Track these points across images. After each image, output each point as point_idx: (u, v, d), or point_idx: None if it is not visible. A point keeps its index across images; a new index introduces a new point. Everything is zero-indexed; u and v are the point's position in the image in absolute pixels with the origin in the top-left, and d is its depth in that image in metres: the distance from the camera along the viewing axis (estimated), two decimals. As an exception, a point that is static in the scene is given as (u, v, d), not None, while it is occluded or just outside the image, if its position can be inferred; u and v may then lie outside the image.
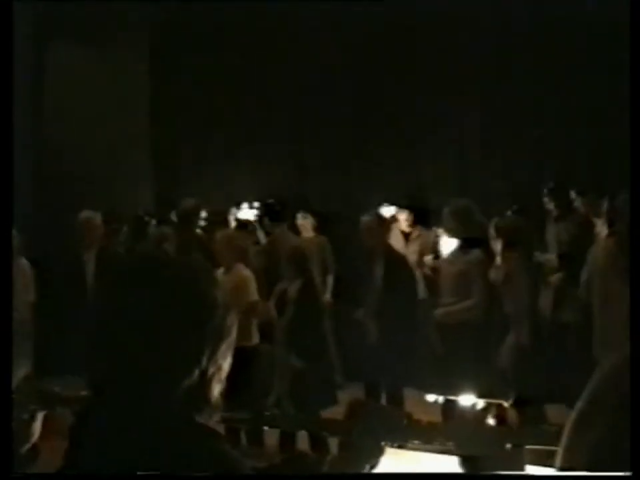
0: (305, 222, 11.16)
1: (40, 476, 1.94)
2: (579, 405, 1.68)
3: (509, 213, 9.69)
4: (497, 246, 8.17)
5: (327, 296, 10.65)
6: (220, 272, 7.68)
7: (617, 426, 1.56)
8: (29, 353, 8.22)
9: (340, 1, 11.63)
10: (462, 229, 8.05)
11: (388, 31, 11.77)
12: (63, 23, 12.37)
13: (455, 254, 8.19)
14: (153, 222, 10.88)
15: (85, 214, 9.52)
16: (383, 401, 7.75)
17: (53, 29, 12.50)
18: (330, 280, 10.88)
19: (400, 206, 10.94)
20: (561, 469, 1.67)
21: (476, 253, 8.02)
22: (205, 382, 1.94)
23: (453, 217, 8.10)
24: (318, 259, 10.55)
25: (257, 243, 10.62)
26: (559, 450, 1.70)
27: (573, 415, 1.68)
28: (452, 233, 8.19)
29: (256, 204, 11.03)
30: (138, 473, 1.82)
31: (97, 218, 9.57)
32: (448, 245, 8.58)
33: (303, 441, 7.39)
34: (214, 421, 2.01)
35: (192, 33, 13.19)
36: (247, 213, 10.98)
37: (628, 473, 1.48)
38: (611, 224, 8.46)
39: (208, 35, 13.06)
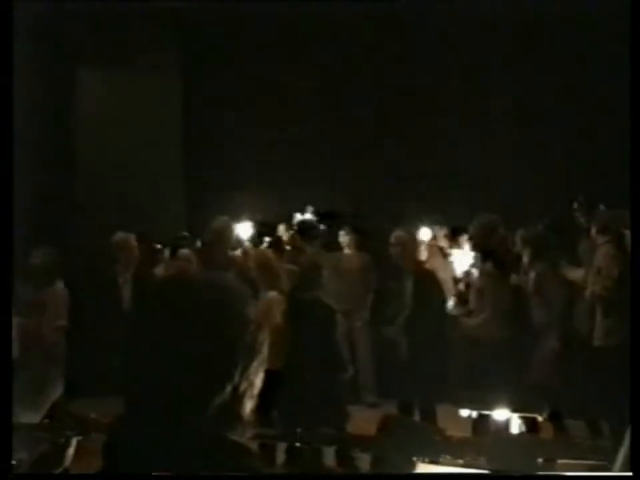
0: (346, 239, 11.14)
1: (40, 476, 1.96)
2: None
3: (539, 226, 9.67)
4: (525, 257, 8.21)
5: (366, 313, 10.64)
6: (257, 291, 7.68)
7: None
8: (60, 376, 8.24)
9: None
10: (486, 243, 8.07)
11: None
12: (96, 49, 12.49)
13: (477, 267, 8.22)
14: (186, 242, 10.92)
15: (120, 235, 9.61)
16: (417, 417, 7.72)
17: (86, 54, 12.62)
18: (370, 297, 10.84)
19: (439, 224, 10.93)
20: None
21: (488, 267, 8.03)
22: (237, 399, 1.94)
23: (479, 231, 8.12)
24: (359, 276, 10.60)
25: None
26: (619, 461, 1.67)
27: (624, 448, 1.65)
28: (477, 248, 8.21)
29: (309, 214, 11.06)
30: (140, 472, 1.83)
31: (132, 239, 9.66)
32: (466, 258, 8.62)
33: (329, 457, 7.35)
34: (246, 437, 2.01)
35: (223, 57, 13.31)
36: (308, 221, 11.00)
37: (628, 473, 1.47)
38: (604, 232, 8.55)
39: (239, 59, 13.17)
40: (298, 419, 7.55)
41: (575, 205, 10.04)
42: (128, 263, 9.53)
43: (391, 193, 12.41)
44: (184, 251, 9.69)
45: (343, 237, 11.07)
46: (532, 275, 8.41)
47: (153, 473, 1.85)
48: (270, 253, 8.62)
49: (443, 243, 10.84)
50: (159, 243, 11.03)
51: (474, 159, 11.93)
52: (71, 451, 2.78)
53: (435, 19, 11.73)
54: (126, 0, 12.03)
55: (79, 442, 2.86)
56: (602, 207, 9.77)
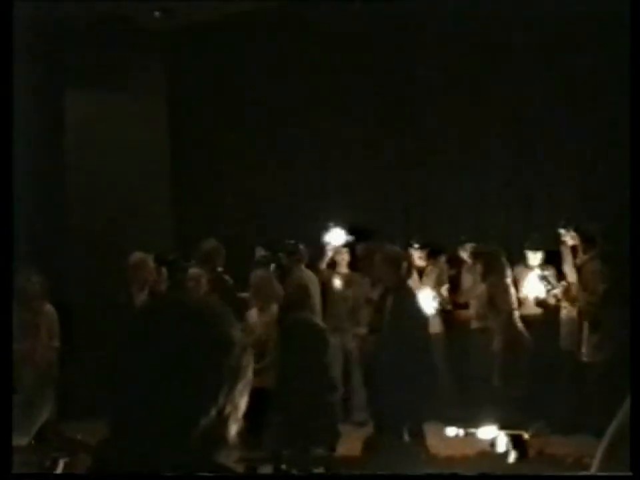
0: (339, 258, 11.17)
1: (40, 476, 1.97)
2: (607, 437, 1.66)
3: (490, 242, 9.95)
4: (478, 271, 9.04)
5: (359, 330, 10.67)
6: (253, 312, 7.70)
7: None
8: (51, 397, 8.24)
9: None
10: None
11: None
12: (82, 70, 12.52)
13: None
14: (173, 264, 10.94)
15: (137, 256, 9.66)
16: (405, 436, 7.74)
17: (73, 75, 12.65)
18: (362, 314, 10.88)
19: (412, 244, 11.01)
20: None
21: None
22: (221, 421, 1.96)
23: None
24: (352, 294, 10.73)
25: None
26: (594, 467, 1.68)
27: (602, 448, 1.67)
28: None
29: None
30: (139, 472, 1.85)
31: (149, 260, 9.73)
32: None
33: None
34: (231, 460, 2.03)
35: (209, 75, 13.36)
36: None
37: (628, 473, 1.48)
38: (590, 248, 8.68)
39: (226, 77, 13.23)
40: (289, 439, 7.58)
41: (562, 224, 10.01)
42: (143, 283, 9.54)
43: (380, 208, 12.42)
44: (194, 270, 9.66)
45: (339, 256, 11.12)
46: (483, 286, 9.00)
47: (153, 473, 1.86)
48: (271, 275, 8.61)
49: (418, 261, 10.93)
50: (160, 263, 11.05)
51: (464, 178, 11.97)
52: (58, 472, 2.79)
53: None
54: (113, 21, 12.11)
55: (66, 463, 2.86)
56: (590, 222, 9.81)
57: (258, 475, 2.04)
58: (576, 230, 9.45)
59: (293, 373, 7.77)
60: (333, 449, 7.16)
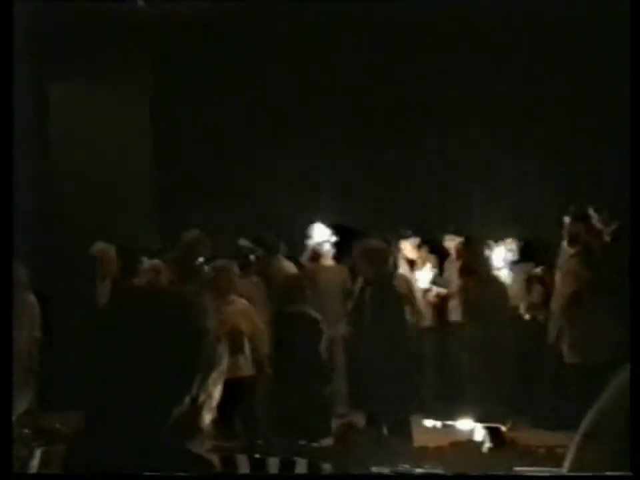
0: (324, 251, 11.19)
1: (40, 476, 1.98)
2: (582, 429, 1.66)
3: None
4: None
5: (343, 325, 10.68)
6: (221, 303, 7.66)
7: (620, 450, 1.55)
8: (31, 387, 8.23)
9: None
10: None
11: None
12: (65, 61, 12.46)
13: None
14: (151, 254, 10.92)
15: (99, 246, 9.61)
16: (385, 428, 7.76)
17: (55, 66, 12.60)
18: (349, 307, 10.89)
19: (404, 234, 11.02)
20: None
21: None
22: (195, 410, 1.97)
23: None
24: (337, 287, 10.64)
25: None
26: (565, 465, 1.68)
27: (576, 439, 1.67)
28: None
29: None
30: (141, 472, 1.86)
31: (111, 250, 9.66)
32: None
33: (301, 469, 7.37)
34: (205, 449, 2.03)
35: (194, 68, 13.32)
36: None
37: (628, 473, 1.48)
38: (573, 244, 8.64)
39: (209, 67, 13.20)
40: (278, 430, 7.60)
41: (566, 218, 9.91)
42: (106, 274, 9.49)
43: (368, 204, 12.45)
44: (152, 262, 9.66)
45: (323, 249, 11.14)
46: (458, 282, 9.22)
47: (153, 474, 1.87)
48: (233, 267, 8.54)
49: (409, 253, 10.94)
50: (138, 253, 11.01)
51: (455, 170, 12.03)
52: (35, 462, 2.79)
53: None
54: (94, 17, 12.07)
55: (43, 453, 2.86)
56: (593, 214, 9.68)
57: (258, 475, 2.04)
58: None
59: (287, 363, 7.78)
60: (321, 440, 7.20)
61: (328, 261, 11.17)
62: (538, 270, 9.84)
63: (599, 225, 9.62)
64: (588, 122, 10.97)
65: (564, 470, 1.63)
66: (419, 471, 2.53)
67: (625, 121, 9.13)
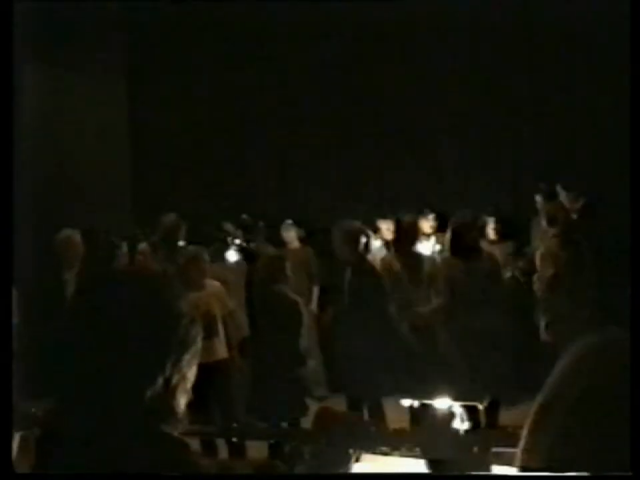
0: (289, 233, 11.22)
1: (40, 476, 1.97)
2: (537, 402, 1.65)
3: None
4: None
5: (313, 307, 10.68)
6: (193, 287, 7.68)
7: (574, 424, 1.54)
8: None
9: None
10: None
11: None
12: (41, 45, 12.38)
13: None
14: (128, 239, 10.90)
15: (64, 233, 9.55)
16: (365, 410, 7.76)
17: (31, 50, 12.51)
18: (315, 290, 10.91)
19: (382, 216, 11.04)
20: (521, 469, 1.64)
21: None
22: (169, 392, 1.98)
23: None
24: (303, 270, 10.60)
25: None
26: (518, 449, 1.67)
27: (531, 413, 1.66)
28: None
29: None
30: (137, 472, 1.86)
31: (76, 236, 9.59)
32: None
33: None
34: (179, 431, 2.03)
35: (170, 55, 13.29)
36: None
37: (628, 473, 1.47)
38: (552, 225, 8.63)
39: (187, 54, 13.17)
40: (256, 412, 7.60)
41: (538, 197, 9.99)
42: (72, 260, 9.43)
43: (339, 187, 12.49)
44: (142, 246, 9.63)
45: (287, 232, 11.18)
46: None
47: (151, 473, 1.88)
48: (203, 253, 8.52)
49: (387, 235, 10.95)
50: (114, 238, 10.98)
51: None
52: (14, 445, 2.78)
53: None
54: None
55: (21, 437, 2.86)
56: (561, 191, 9.73)
57: (258, 475, 2.04)
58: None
59: (264, 345, 7.78)
60: (297, 423, 7.20)
61: (294, 244, 11.20)
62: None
63: (566, 203, 9.71)
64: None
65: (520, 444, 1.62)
66: (395, 452, 2.52)
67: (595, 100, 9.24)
